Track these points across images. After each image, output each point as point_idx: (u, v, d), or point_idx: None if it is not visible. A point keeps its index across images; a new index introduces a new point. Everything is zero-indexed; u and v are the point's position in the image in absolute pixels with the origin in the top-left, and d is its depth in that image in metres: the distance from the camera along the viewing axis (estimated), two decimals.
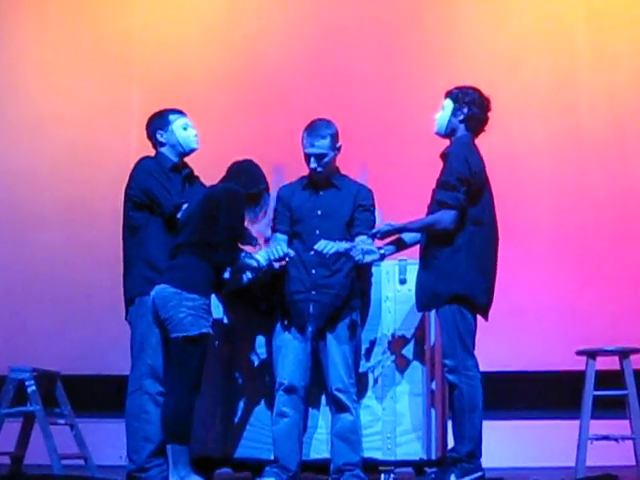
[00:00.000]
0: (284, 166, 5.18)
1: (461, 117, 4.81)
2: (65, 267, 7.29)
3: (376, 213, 5.02)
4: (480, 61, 7.12)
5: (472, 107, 4.79)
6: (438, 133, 4.90)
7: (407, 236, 4.92)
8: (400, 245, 4.95)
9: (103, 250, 6.68)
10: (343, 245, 4.71)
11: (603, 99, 7.12)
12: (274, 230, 5.04)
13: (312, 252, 4.76)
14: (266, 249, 4.90)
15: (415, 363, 5.04)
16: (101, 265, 6.85)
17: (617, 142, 7.05)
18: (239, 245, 4.77)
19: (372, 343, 5.04)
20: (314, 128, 4.92)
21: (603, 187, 6.97)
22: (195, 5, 7.77)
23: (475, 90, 4.83)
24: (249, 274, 4.89)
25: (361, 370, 4.98)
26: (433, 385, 5.05)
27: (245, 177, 4.83)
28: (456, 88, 4.86)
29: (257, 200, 4.81)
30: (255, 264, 4.81)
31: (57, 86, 7.66)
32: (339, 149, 4.95)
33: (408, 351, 5.05)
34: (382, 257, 4.87)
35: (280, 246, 4.87)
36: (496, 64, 7.14)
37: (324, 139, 4.87)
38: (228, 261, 4.71)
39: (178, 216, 4.89)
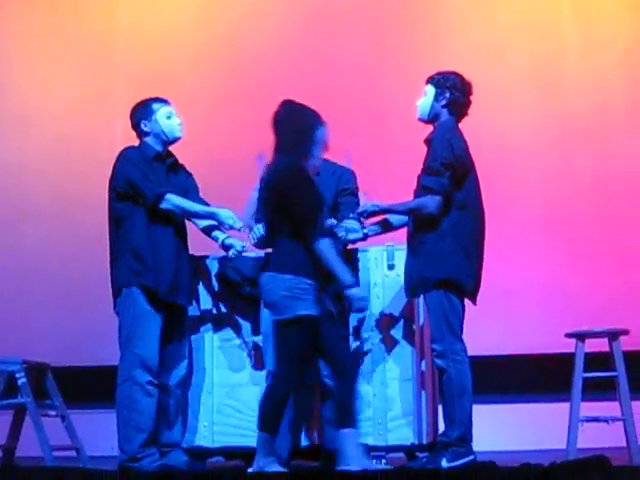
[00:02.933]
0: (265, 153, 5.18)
1: (443, 102, 4.80)
2: (55, 259, 7.29)
3: (361, 197, 5.03)
4: (466, 46, 7.11)
5: (454, 91, 4.78)
6: (421, 119, 4.89)
7: (393, 218, 4.92)
8: (386, 226, 4.96)
9: (93, 241, 6.61)
10: (327, 221, 4.72)
11: (590, 83, 7.11)
12: (257, 220, 5.02)
13: None
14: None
15: (405, 348, 5.05)
16: (91, 256, 6.80)
17: (604, 126, 7.05)
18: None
19: (360, 322, 5.05)
20: None
21: (591, 170, 6.98)
22: None
23: (456, 75, 4.83)
24: (234, 250, 4.93)
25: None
26: (423, 366, 5.07)
27: None
28: (437, 73, 4.85)
29: None
30: (227, 227, 4.91)
31: (43, 78, 7.65)
32: None
33: (397, 336, 5.06)
34: (365, 237, 4.89)
35: (258, 227, 4.87)
36: (482, 49, 7.13)
37: None
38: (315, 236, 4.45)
39: (161, 206, 4.90)
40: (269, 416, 4.40)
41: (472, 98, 4.84)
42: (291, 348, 4.41)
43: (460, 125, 4.86)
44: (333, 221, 4.75)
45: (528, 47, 7.19)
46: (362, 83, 7.19)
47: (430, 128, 4.85)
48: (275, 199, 4.50)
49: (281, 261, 4.46)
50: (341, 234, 4.73)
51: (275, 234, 4.55)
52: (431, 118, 4.84)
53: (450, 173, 4.65)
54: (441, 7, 7.39)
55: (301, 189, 4.46)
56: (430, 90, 4.83)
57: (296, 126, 4.58)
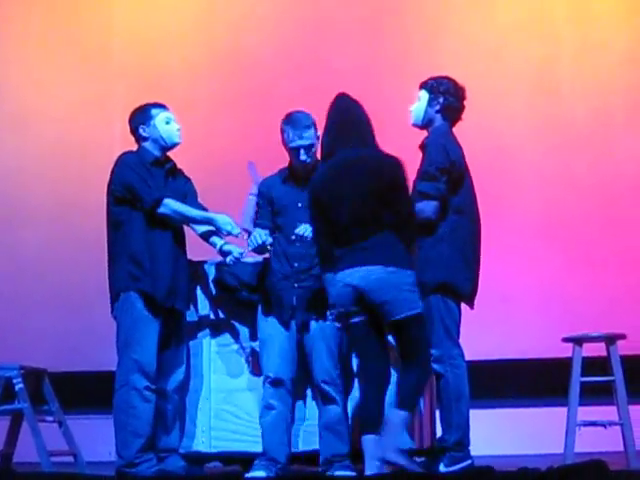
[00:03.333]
0: (257, 161, 5.18)
1: (437, 107, 4.80)
2: (54, 262, 7.29)
3: None
4: (463, 50, 7.11)
5: (448, 96, 4.79)
6: (415, 124, 4.89)
7: None
8: None
9: (92, 245, 6.62)
10: None
11: (587, 86, 7.11)
12: (255, 225, 5.03)
13: (293, 237, 4.78)
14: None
15: None
16: (89, 260, 6.80)
17: (602, 129, 7.03)
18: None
19: None
20: (298, 120, 4.90)
21: (589, 174, 6.96)
22: None
23: (449, 80, 4.83)
24: (232, 257, 4.92)
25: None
26: None
27: None
28: (430, 79, 4.86)
29: None
30: (225, 232, 4.87)
31: (41, 80, 7.64)
32: (319, 138, 4.93)
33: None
34: None
35: (259, 234, 4.87)
36: (479, 53, 7.13)
37: (310, 129, 4.86)
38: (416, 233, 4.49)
39: (159, 211, 4.89)
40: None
41: (467, 102, 4.84)
42: (425, 335, 4.41)
43: (456, 128, 4.87)
44: None
45: (525, 49, 7.18)
46: (359, 84, 7.15)
47: (425, 133, 4.86)
48: (381, 189, 4.36)
49: (395, 256, 4.32)
50: None
51: (369, 226, 4.34)
52: (425, 123, 4.85)
53: (446, 178, 4.65)
54: (438, 9, 7.38)
55: (407, 182, 4.45)
56: (424, 95, 4.84)
57: (366, 118, 4.58)
